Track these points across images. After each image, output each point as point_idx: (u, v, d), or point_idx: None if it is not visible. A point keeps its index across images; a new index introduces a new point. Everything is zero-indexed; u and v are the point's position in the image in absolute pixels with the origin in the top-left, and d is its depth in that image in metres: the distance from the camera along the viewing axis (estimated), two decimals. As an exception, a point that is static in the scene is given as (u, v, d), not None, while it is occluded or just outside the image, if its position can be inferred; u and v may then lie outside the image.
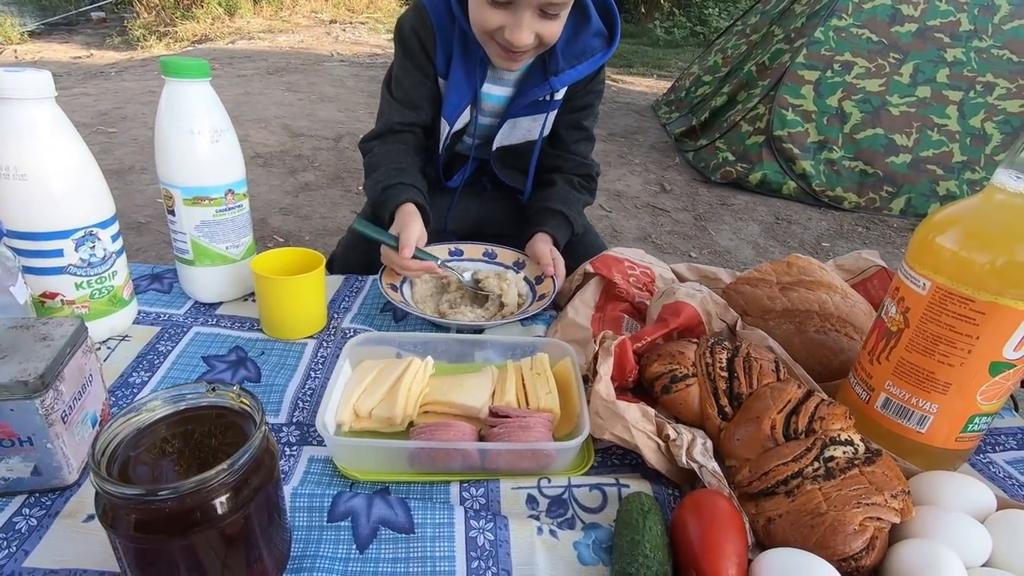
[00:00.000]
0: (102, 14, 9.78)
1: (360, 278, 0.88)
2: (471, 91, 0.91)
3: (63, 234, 0.59)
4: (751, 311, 0.74)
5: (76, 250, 0.61)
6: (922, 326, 0.51)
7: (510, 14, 0.76)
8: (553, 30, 0.79)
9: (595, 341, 0.60)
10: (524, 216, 1.06)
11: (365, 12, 9.06)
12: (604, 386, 0.55)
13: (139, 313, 0.73)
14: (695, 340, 0.64)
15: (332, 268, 1.00)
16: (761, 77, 3.24)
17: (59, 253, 0.60)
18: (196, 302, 0.77)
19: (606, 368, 0.56)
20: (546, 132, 0.99)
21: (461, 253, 0.90)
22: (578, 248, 0.97)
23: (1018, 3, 2.97)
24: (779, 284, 0.75)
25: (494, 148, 1.01)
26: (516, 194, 1.11)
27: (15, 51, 7.11)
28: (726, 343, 0.62)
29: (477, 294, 0.81)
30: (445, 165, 1.04)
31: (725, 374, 0.58)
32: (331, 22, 8.31)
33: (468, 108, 0.93)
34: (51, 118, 0.58)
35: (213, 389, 0.40)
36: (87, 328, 0.51)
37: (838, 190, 2.92)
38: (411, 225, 0.80)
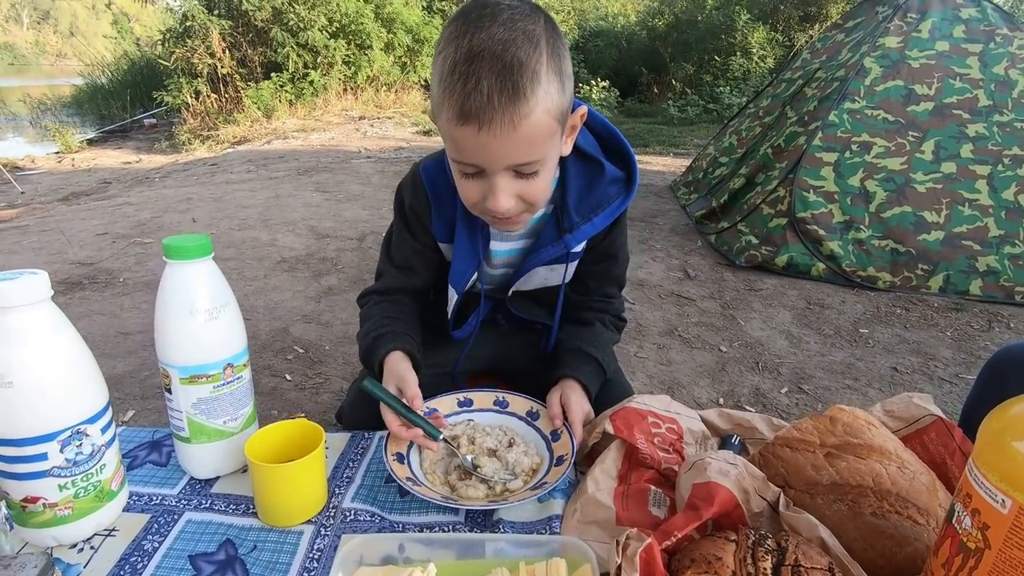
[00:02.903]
0: (153, 120, 10.66)
1: (367, 435, 0.83)
2: (476, 256, 0.88)
3: (48, 437, 0.57)
4: (794, 483, 0.66)
5: (61, 451, 0.58)
6: (1008, 551, 0.43)
7: (485, 182, 0.72)
8: (535, 189, 0.74)
9: (617, 548, 0.53)
10: (545, 356, 1.01)
11: (392, 108, 9.66)
12: (630, 617, 0.47)
13: (130, 497, 0.69)
14: (733, 537, 0.56)
15: (341, 419, 0.96)
16: (778, 159, 3.25)
17: (43, 457, 0.57)
18: (192, 478, 0.73)
19: (631, 590, 0.49)
20: (568, 279, 0.95)
21: (471, 403, 0.85)
22: (600, 395, 0.90)
23: (1035, 78, 2.96)
24: (823, 448, 0.67)
25: (510, 293, 0.97)
26: (534, 327, 1.06)
27: (72, 159, 7.73)
28: (769, 541, 0.54)
29: (490, 456, 0.75)
30: (457, 310, 1.00)
31: (772, 592, 0.50)
32: (360, 118, 8.85)
33: (476, 272, 0.91)
34: (43, 321, 0.56)
35: None
36: (54, 565, 0.46)
37: (870, 270, 2.83)
38: (407, 377, 0.77)
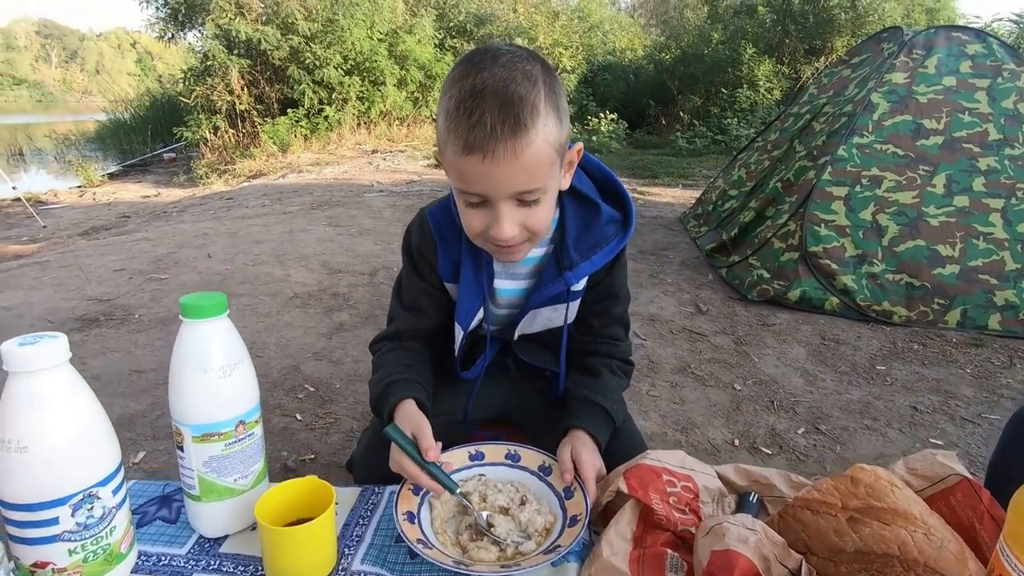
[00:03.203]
0: (173, 155, 10.97)
1: (378, 490, 0.82)
2: (481, 293, 0.91)
3: (60, 501, 0.57)
4: (816, 549, 0.64)
5: (73, 515, 0.58)
6: (1046, 641, 0.41)
7: (490, 212, 0.75)
8: (537, 217, 0.77)
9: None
10: (555, 401, 1.01)
11: (404, 141, 9.85)
12: None
13: (139, 557, 0.69)
14: (754, 612, 0.54)
15: (352, 469, 0.95)
16: (788, 193, 3.26)
17: (54, 521, 0.57)
18: (201, 536, 0.72)
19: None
20: (570, 319, 0.96)
21: (482, 457, 0.84)
22: (611, 446, 0.89)
23: (1045, 112, 2.96)
24: (846, 511, 0.65)
25: (516, 336, 0.98)
26: (543, 374, 1.06)
27: (94, 193, 7.92)
28: (793, 617, 0.52)
29: (503, 515, 0.74)
30: (466, 352, 1.01)
31: (797, 676, 0.48)
32: (373, 152, 9.03)
33: (481, 308, 0.93)
34: (62, 385, 0.57)
35: None
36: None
37: (885, 304, 2.79)
38: (424, 429, 0.78)
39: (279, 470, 1.61)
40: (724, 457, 1.76)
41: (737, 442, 1.85)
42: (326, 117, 9.09)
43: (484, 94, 0.68)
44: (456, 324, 0.93)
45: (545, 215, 0.78)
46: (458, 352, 0.97)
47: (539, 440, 0.92)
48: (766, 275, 3.00)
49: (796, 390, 2.18)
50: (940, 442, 1.87)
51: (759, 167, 3.88)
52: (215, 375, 0.66)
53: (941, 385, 2.23)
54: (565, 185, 0.83)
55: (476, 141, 0.68)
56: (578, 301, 0.95)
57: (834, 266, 2.86)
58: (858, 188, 2.96)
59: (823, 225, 2.93)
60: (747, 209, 3.52)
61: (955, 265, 2.77)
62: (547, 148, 0.71)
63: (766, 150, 3.96)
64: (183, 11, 9.03)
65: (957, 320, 2.71)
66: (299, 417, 1.85)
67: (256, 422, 0.72)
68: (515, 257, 0.84)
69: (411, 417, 0.80)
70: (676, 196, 5.78)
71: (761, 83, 10.33)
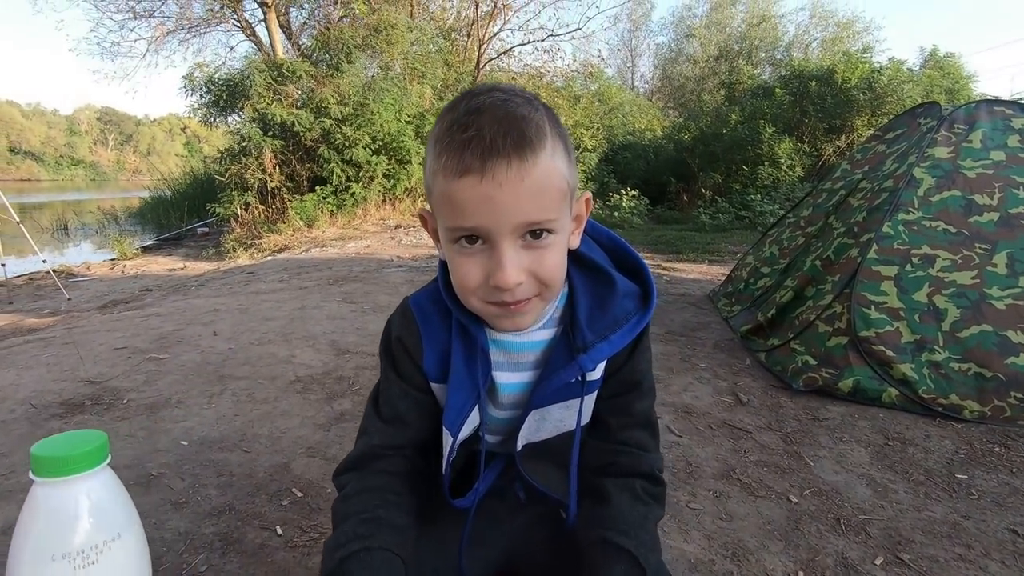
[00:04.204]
0: (206, 229, 11.33)
1: None
2: (476, 388, 0.73)
3: None
4: None
5: None
6: None
7: (489, 257, 0.61)
8: (548, 262, 0.63)
9: None
10: (572, 544, 0.76)
11: (427, 217, 9.99)
12: None
13: None
14: None
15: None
16: (829, 272, 3.02)
17: None
18: None
19: None
20: (585, 420, 0.77)
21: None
22: None
23: (1110, 187, 2.73)
24: None
25: (519, 447, 0.77)
26: (559, 507, 0.82)
27: (124, 266, 8.09)
28: None
29: None
30: (459, 472, 0.80)
31: None
32: (396, 227, 9.15)
33: (475, 409, 0.74)
34: None
35: None
36: None
37: (952, 397, 2.46)
38: None
39: (246, 603, 1.35)
40: (788, 598, 1.43)
41: (802, 575, 1.52)
42: (352, 194, 9.32)
43: (481, 112, 0.60)
44: (444, 431, 0.74)
45: (557, 262, 0.64)
46: (446, 470, 0.76)
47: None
48: (812, 362, 2.71)
49: (864, 504, 1.84)
50: (1057, 581, 1.51)
51: (792, 243, 3.69)
52: (70, 565, 0.45)
53: (1039, 501, 1.87)
54: (575, 244, 0.71)
55: (473, 157, 0.58)
56: (594, 395, 0.76)
57: (889, 353, 2.56)
58: (909, 267, 2.71)
59: (873, 307, 2.67)
60: (783, 288, 3.28)
61: (1031, 354, 2.45)
62: (557, 174, 0.62)
63: (799, 226, 3.77)
64: (224, 97, 9.58)
65: (1041, 417, 2.37)
66: (279, 531, 1.59)
67: (138, 624, 0.50)
68: (524, 320, 0.67)
69: None
70: (703, 272, 5.58)
71: (783, 161, 10.36)
